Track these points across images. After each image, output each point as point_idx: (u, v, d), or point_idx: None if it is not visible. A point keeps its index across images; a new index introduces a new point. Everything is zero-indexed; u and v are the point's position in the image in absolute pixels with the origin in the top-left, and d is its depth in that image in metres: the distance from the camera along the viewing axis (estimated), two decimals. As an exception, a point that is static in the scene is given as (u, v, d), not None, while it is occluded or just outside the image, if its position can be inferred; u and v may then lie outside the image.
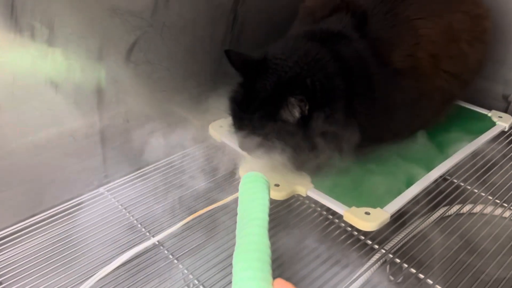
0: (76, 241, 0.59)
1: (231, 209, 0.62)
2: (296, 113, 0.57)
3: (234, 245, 0.56)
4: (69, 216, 0.63)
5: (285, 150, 0.59)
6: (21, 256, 0.57)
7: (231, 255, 0.54)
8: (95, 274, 0.53)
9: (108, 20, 0.61)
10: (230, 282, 0.50)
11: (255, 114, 0.59)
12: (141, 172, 0.71)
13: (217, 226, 0.60)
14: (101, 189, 0.68)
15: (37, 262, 0.56)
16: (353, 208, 0.57)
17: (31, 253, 0.57)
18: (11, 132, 0.58)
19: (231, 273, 0.51)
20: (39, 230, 0.61)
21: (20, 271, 0.55)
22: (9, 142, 0.58)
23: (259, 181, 0.50)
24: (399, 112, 0.65)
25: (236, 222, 0.47)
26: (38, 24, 0.55)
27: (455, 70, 0.68)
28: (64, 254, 0.57)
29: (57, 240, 0.59)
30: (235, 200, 0.62)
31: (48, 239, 0.59)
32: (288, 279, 0.51)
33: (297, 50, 0.60)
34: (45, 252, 0.57)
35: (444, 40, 0.66)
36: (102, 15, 0.60)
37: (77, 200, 0.66)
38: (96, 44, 0.61)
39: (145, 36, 0.66)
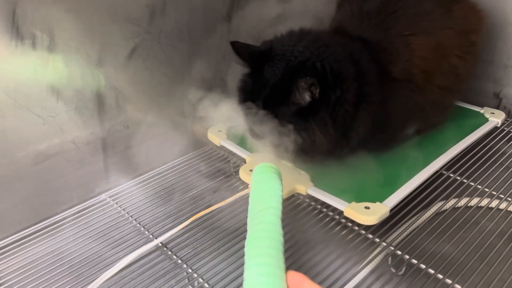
0: (80, 246, 0.59)
1: (233, 209, 0.63)
2: (307, 97, 0.57)
3: (237, 243, 0.57)
4: (72, 222, 0.64)
5: (298, 135, 0.59)
6: (27, 262, 0.57)
7: (235, 253, 0.56)
8: (99, 276, 0.53)
9: (107, 28, 0.62)
10: (235, 279, 0.52)
11: (266, 100, 0.59)
12: (143, 177, 0.72)
13: (220, 226, 0.60)
14: (103, 195, 0.69)
15: (42, 267, 0.56)
16: (353, 203, 0.58)
17: (36, 259, 0.58)
18: (14, 139, 0.58)
19: (235, 270, 0.53)
20: (43, 236, 0.61)
21: (26, 276, 0.55)
22: (12, 149, 0.59)
23: (271, 172, 0.51)
24: (395, 119, 0.67)
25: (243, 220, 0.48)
26: (39, 32, 0.56)
27: (447, 84, 0.70)
28: (69, 258, 0.57)
29: (62, 246, 0.60)
30: (237, 201, 0.63)
31: (53, 244, 0.60)
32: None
33: (306, 37, 0.61)
34: (50, 257, 0.58)
35: (435, 56, 0.68)
36: (101, 22, 0.62)
37: (80, 207, 0.66)
38: (95, 51, 0.62)
39: (143, 43, 0.67)
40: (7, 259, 0.58)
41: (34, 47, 0.56)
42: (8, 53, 0.55)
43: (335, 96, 0.58)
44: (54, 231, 0.62)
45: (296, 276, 0.41)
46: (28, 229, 0.62)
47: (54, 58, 0.58)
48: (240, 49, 0.62)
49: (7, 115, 0.57)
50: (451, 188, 0.65)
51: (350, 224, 0.60)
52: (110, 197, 0.68)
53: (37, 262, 0.57)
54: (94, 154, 0.67)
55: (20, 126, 0.59)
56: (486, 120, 0.79)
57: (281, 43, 0.61)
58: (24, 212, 0.62)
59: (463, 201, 0.64)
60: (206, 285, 0.52)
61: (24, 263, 0.57)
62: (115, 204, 0.67)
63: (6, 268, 0.56)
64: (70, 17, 0.58)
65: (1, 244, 0.60)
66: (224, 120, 0.78)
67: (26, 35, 0.55)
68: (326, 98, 0.58)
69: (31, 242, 0.60)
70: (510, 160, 0.71)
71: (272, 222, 0.45)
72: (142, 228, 0.62)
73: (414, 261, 0.54)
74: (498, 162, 0.70)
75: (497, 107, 0.86)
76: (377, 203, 0.58)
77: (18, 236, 0.61)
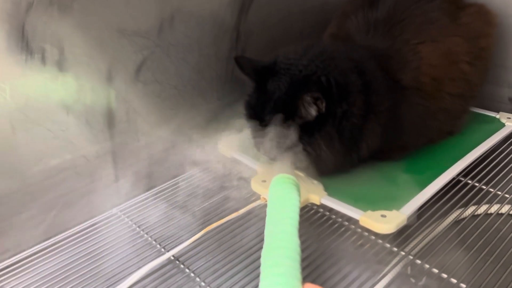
0: (91, 261, 0.58)
1: (246, 221, 0.62)
2: (313, 111, 0.57)
3: (251, 255, 0.56)
4: (84, 237, 0.63)
5: (304, 150, 0.59)
6: (39, 277, 0.56)
7: (248, 265, 0.54)
8: (112, 291, 0.52)
9: (116, 41, 0.63)
10: (249, 291, 0.50)
11: (271, 115, 0.59)
12: (154, 190, 0.71)
13: (233, 238, 0.59)
14: (115, 210, 0.68)
15: (54, 282, 0.55)
16: (369, 212, 0.57)
17: (48, 274, 0.57)
18: (25, 154, 0.58)
19: (249, 283, 0.52)
20: (56, 251, 0.60)
21: (37, 291, 0.54)
22: (24, 165, 0.59)
23: (289, 183, 0.51)
24: (406, 127, 0.66)
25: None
26: (49, 46, 0.56)
27: (458, 90, 0.69)
28: (80, 273, 0.56)
29: (73, 261, 0.59)
30: (249, 212, 0.62)
31: (64, 260, 0.59)
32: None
33: (311, 50, 0.61)
34: (62, 273, 0.57)
35: (444, 64, 0.67)
36: (110, 36, 0.62)
37: (91, 222, 0.65)
38: (105, 65, 0.62)
39: (153, 56, 0.67)
40: (19, 275, 0.57)
41: (44, 62, 0.56)
42: (18, 68, 0.55)
43: (341, 110, 0.58)
44: (65, 246, 0.61)
45: None
46: (40, 244, 0.61)
47: (64, 73, 0.58)
48: (244, 64, 0.62)
49: (18, 131, 0.57)
50: (469, 195, 0.63)
51: (366, 234, 0.58)
52: (121, 211, 0.67)
53: (49, 277, 0.56)
54: (105, 168, 0.67)
55: (32, 141, 0.58)
56: (503, 125, 0.78)
57: (285, 57, 0.61)
58: (36, 227, 0.62)
59: (482, 208, 0.62)
60: (219, 298, 0.51)
61: (36, 279, 0.56)
62: (126, 218, 0.66)
63: (18, 284, 0.56)
64: (79, 31, 0.58)
65: (14, 259, 0.59)
66: (234, 132, 0.78)
67: (36, 50, 0.55)
68: (332, 112, 0.58)
69: (43, 257, 0.59)
70: (530, 165, 0.69)
71: (290, 232, 0.45)
72: (154, 242, 0.61)
73: (435, 270, 0.52)
74: (517, 168, 0.68)
75: (513, 112, 0.84)
76: (394, 211, 0.56)
77: (30, 251, 0.61)
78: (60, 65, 0.58)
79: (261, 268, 0.41)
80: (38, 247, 0.61)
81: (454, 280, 0.50)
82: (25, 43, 0.54)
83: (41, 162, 0.60)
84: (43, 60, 0.56)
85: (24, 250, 0.61)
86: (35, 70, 0.56)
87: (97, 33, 0.60)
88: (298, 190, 0.51)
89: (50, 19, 0.55)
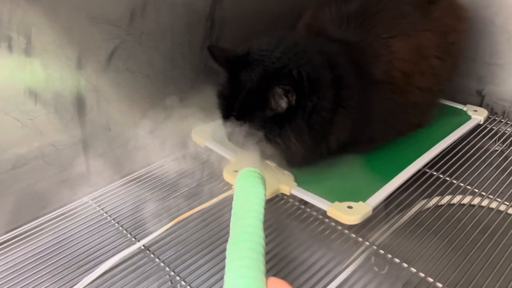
0: (61, 250, 0.58)
1: (216, 211, 0.62)
2: (283, 104, 0.58)
3: (220, 245, 0.57)
4: (54, 226, 0.63)
5: (274, 141, 0.60)
6: (8, 267, 0.56)
7: (217, 255, 0.55)
8: (81, 280, 0.53)
9: (86, 29, 0.62)
10: (217, 282, 0.51)
11: (243, 106, 0.59)
12: (125, 179, 0.71)
13: (203, 228, 0.60)
14: (86, 198, 0.68)
15: (23, 272, 0.55)
16: (336, 203, 0.58)
17: (17, 263, 0.57)
18: (-8, 144, 0.57)
19: (218, 272, 0.53)
20: (24, 241, 0.60)
21: (6, 281, 0.54)
22: (-10, 154, 0.58)
23: (255, 176, 0.52)
24: (376, 120, 0.67)
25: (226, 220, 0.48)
26: (15, 34, 0.55)
27: (427, 85, 0.70)
28: (51, 262, 0.57)
29: (42, 250, 0.59)
30: (220, 202, 0.63)
31: (33, 249, 0.59)
32: (275, 274, 0.52)
33: (284, 42, 0.61)
34: (31, 262, 0.57)
35: (414, 58, 0.68)
36: (79, 24, 0.61)
37: (61, 211, 0.65)
38: (74, 53, 0.61)
39: (124, 44, 0.66)
40: (-14, 265, 0.57)
41: (11, 50, 0.55)
42: (-16, 57, 0.54)
43: (311, 103, 0.59)
44: (35, 235, 0.61)
45: (277, 283, 0.40)
46: (8, 234, 0.61)
47: (32, 61, 0.57)
48: (217, 54, 0.62)
49: (-15, 119, 0.56)
50: (434, 186, 0.65)
51: (333, 224, 0.60)
52: (92, 200, 0.67)
53: (18, 267, 0.56)
54: (75, 157, 0.66)
55: (-1, 130, 0.58)
56: (469, 117, 0.80)
57: (258, 48, 0.61)
58: (4, 217, 0.61)
59: (445, 199, 0.64)
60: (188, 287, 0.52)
61: (4, 268, 0.56)
62: (97, 207, 0.66)
63: (-15, 274, 0.56)
64: (47, 19, 0.57)
65: (-19, 249, 0.59)
66: (208, 121, 0.78)
67: (2, 38, 0.54)
68: (302, 105, 0.58)
69: (11, 247, 0.59)
70: (492, 157, 0.72)
71: (254, 225, 0.45)
72: (125, 231, 0.61)
73: (397, 260, 0.54)
74: (481, 160, 0.70)
75: (480, 105, 0.87)
76: (360, 202, 0.58)
77: (-1, 241, 0.60)
78: (28, 54, 0.57)
79: (226, 260, 0.42)
80: (7, 237, 0.61)
81: (413, 269, 0.52)
82: (-10, 31, 0.53)
83: (9, 151, 0.59)
84: (10, 48, 0.55)
85: (-8, 240, 0.60)
86: (2, 59, 0.55)
87: (65, 21, 0.59)
88: (264, 184, 0.51)
89: (16, 7, 0.54)
